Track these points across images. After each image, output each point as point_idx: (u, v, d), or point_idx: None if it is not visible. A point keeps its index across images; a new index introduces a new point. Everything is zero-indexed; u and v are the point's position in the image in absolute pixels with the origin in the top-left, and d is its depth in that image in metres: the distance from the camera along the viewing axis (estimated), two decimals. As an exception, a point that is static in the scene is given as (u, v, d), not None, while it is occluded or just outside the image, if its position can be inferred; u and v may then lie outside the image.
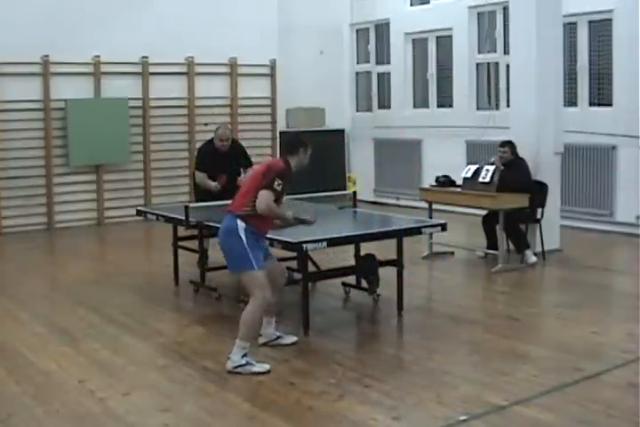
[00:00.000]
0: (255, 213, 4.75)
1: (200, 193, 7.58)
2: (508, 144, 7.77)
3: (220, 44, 11.10)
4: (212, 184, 7.34)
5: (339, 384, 4.46)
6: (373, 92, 12.96)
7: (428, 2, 11.85)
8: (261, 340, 5.13)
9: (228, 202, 6.87)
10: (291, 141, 5.15)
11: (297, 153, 5.02)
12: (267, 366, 4.70)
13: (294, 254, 6.25)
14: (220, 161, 7.36)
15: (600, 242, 9.07)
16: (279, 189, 4.74)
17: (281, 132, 12.07)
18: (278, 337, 5.20)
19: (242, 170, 7.57)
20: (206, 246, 7.51)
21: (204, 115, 11.25)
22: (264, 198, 4.70)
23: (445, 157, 10.79)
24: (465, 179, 7.85)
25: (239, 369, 4.65)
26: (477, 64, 11.19)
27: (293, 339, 5.22)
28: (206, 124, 11.00)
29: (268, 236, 5.52)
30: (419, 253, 8.02)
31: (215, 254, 7.56)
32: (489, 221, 7.89)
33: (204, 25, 11.02)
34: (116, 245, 9.56)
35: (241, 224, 4.76)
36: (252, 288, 4.79)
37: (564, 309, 6.17)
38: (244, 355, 4.68)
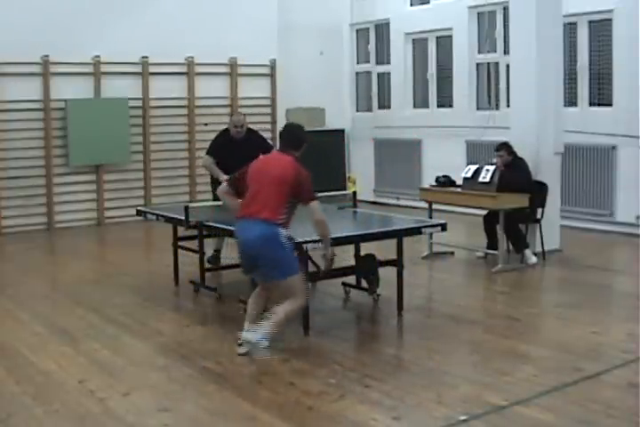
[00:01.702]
0: (289, 220, 4.86)
1: (214, 181, 7.45)
2: (504, 146, 7.76)
3: (220, 44, 11.11)
4: (223, 176, 7.16)
5: (339, 384, 4.46)
6: (373, 92, 12.95)
7: (428, 2, 11.84)
8: (242, 350, 4.93)
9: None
10: (297, 136, 5.12)
11: (301, 149, 5.07)
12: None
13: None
14: (232, 149, 7.28)
15: (600, 242, 9.07)
16: None
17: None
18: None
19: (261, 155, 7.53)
20: (219, 247, 7.54)
21: (204, 115, 11.25)
22: (319, 210, 4.90)
23: (445, 157, 10.79)
24: (465, 179, 7.85)
25: (258, 346, 4.69)
26: (477, 64, 11.19)
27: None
28: (206, 124, 11.01)
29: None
30: (419, 253, 8.02)
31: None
32: (489, 221, 7.89)
33: (204, 25, 11.03)
34: (116, 245, 9.56)
35: (281, 231, 4.79)
36: (297, 291, 4.84)
37: (564, 309, 6.17)
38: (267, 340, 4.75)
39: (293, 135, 5.11)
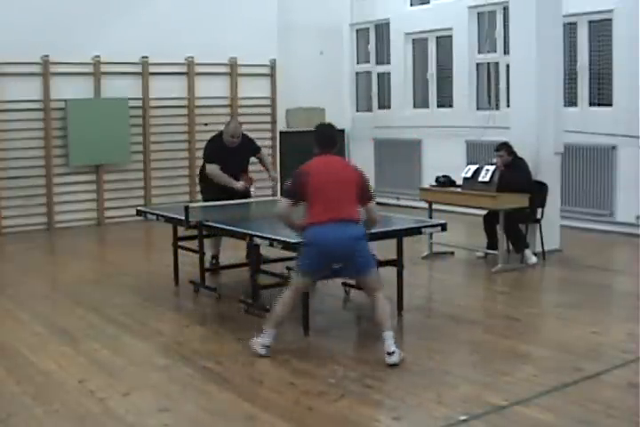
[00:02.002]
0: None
1: (208, 188, 7.51)
2: (504, 146, 7.76)
3: (219, 44, 11.11)
4: (239, 184, 7.25)
5: (339, 384, 4.45)
6: (373, 92, 12.96)
7: (428, 2, 11.85)
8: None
9: (230, 202, 6.99)
10: (335, 136, 5.18)
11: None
12: None
13: (294, 254, 6.25)
14: (227, 155, 7.29)
15: (600, 242, 9.07)
16: None
17: (281, 132, 12.11)
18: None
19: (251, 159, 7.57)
20: (216, 252, 7.54)
21: (204, 115, 11.25)
22: (376, 209, 5.08)
23: (445, 157, 10.79)
24: (465, 179, 7.85)
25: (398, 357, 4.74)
26: (477, 64, 11.20)
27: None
28: (206, 124, 11.00)
29: (268, 235, 5.54)
30: (419, 253, 8.02)
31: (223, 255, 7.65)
32: (489, 221, 7.90)
33: (204, 25, 11.03)
34: (116, 245, 9.56)
35: (363, 229, 4.99)
36: (379, 284, 5.04)
37: (564, 309, 6.17)
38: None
39: (334, 136, 5.18)
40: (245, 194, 7.35)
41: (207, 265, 7.11)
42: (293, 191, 4.93)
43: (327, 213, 4.86)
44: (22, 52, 9.71)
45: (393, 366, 4.71)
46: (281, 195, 5.11)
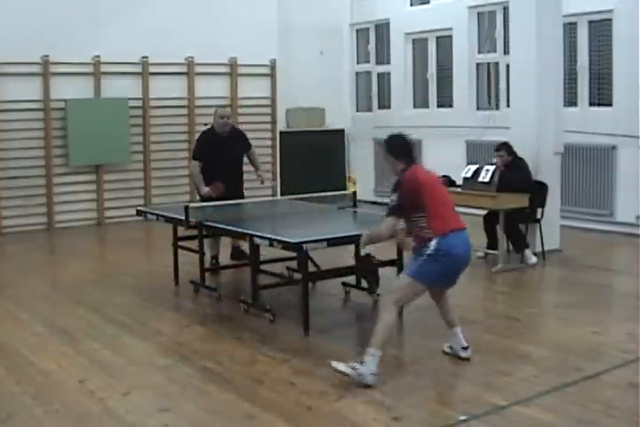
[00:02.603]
0: None
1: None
2: (504, 146, 7.76)
3: (220, 44, 11.11)
4: (205, 189, 7.22)
5: (339, 384, 4.45)
6: (373, 92, 12.96)
7: (428, 2, 11.85)
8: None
9: (229, 202, 7.00)
10: (411, 145, 5.00)
11: None
12: None
13: (294, 254, 6.26)
14: (220, 146, 7.31)
15: (600, 242, 9.07)
16: None
17: (281, 132, 12.10)
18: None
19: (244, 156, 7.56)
20: (216, 252, 7.56)
21: (203, 115, 11.20)
22: None
23: (445, 157, 10.78)
24: (465, 179, 7.85)
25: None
26: (477, 64, 11.20)
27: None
28: (206, 124, 10.94)
29: (268, 235, 5.54)
30: (419, 253, 8.01)
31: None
32: (489, 221, 7.90)
33: (204, 25, 11.03)
34: (116, 245, 9.56)
35: None
36: None
37: (564, 309, 6.17)
38: None
39: (411, 144, 4.98)
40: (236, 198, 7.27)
41: (207, 265, 7.11)
42: (402, 206, 4.67)
43: (453, 222, 4.74)
44: (22, 52, 9.72)
45: (465, 359, 4.84)
46: (387, 213, 4.78)
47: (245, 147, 7.64)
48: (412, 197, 4.64)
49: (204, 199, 7.23)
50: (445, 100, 11.79)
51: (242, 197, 7.48)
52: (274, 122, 12.06)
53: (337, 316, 6.18)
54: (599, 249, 8.74)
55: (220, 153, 7.26)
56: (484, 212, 7.96)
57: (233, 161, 7.42)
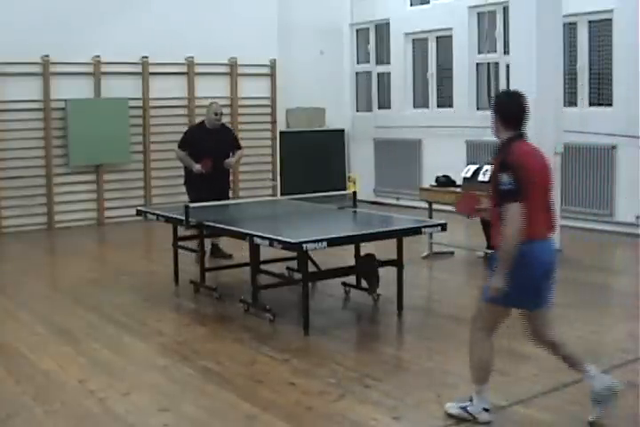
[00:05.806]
0: None
1: (191, 188, 7.87)
2: None
3: (219, 43, 11.11)
4: (196, 166, 7.61)
5: (339, 384, 4.46)
6: (373, 92, 12.96)
7: (428, 2, 11.85)
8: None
9: (229, 202, 7.01)
10: (526, 106, 3.80)
11: None
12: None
13: (294, 254, 6.26)
14: (207, 141, 7.66)
15: (600, 242, 9.06)
16: None
17: (281, 132, 12.10)
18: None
19: (231, 153, 7.90)
20: (217, 241, 7.68)
21: (204, 115, 11.17)
22: None
23: (445, 157, 10.78)
24: (465, 179, 7.85)
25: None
26: (477, 64, 11.19)
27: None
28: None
29: (268, 235, 5.53)
30: (419, 253, 8.02)
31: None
32: (489, 221, 7.88)
33: (204, 25, 11.03)
34: (116, 245, 9.56)
35: None
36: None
37: (563, 309, 6.15)
38: None
39: (526, 106, 3.77)
40: (222, 191, 7.70)
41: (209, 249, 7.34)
42: (521, 188, 3.62)
43: (547, 228, 3.79)
44: (22, 52, 9.72)
45: None
46: (506, 200, 3.67)
47: (234, 146, 7.97)
48: (524, 182, 3.63)
49: (194, 180, 7.65)
50: (445, 100, 11.79)
51: (227, 189, 7.96)
52: (274, 122, 12.06)
53: (337, 316, 6.18)
54: (599, 249, 8.74)
55: (205, 145, 7.65)
56: (483, 212, 7.96)
57: (218, 154, 7.72)
